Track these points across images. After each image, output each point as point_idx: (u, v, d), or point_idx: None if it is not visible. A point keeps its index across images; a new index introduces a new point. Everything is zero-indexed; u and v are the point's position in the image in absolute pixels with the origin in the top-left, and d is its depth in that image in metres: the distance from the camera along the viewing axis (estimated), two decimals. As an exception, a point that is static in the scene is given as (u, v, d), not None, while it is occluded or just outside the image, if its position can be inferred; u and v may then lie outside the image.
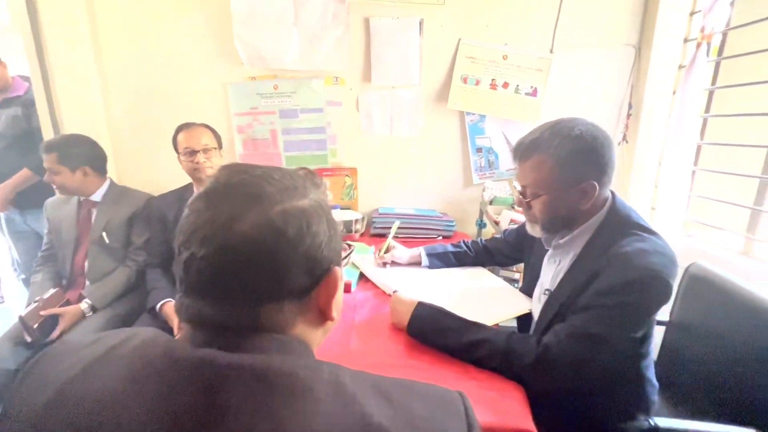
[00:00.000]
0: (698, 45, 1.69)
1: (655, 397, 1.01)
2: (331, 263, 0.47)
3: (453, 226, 1.88)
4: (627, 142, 1.98)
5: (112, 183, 1.69)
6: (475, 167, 2.04)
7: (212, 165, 1.53)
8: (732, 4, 1.70)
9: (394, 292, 1.17)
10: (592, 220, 0.93)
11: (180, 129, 1.56)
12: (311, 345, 0.48)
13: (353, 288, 1.35)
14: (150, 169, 2.03)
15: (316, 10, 1.86)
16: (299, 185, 0.46)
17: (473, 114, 1.99)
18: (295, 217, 0.43)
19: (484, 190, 1.94)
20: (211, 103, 1.98)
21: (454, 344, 0.91)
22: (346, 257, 1.41)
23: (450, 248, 1.48)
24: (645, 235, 0.86)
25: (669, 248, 0.84)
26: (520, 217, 1.66)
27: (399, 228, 1.84)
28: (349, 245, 1.42)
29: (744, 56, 1.61)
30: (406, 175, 2.09)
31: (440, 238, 1.88)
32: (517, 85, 1.92)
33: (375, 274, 1.41)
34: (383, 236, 1.86)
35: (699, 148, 1.80)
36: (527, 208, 0.99)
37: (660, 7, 1.80)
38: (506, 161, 2.03)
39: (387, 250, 1.45)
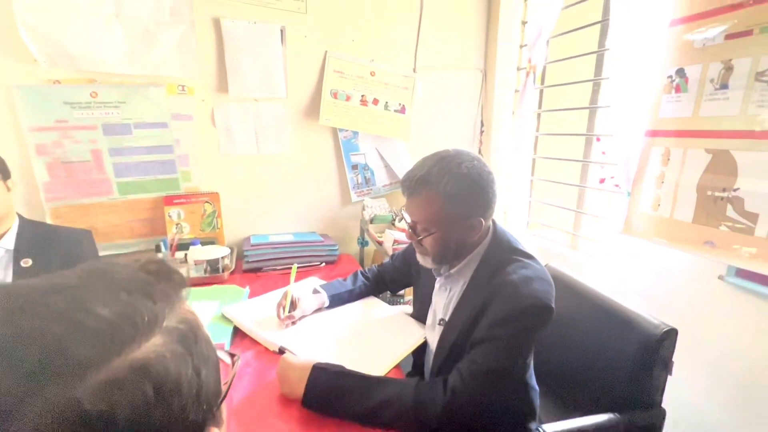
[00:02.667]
0: (527, 73, 1.75)
1: (538, 401, 0.99)
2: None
3: (336, 250, 1.59)
4: (482, 155, 1.99)
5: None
6: (352, 184, 1.79)
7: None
8: (547, 42, 1.81)
9: (280, 349, 0.94)
10: (478, 249, 0.91)
11: None
12: None
13: (226, 349, 0.94)
14: None
15: (146, 1, 1.34)
16: (134, 314, 0.26)
17: (346, 130, 1.72)
18: (128, 391, 0.23)
19: (364, 208, 1.70)
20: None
21: (360, 410, 0.77)
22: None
23: (349, 285, 1.22)
24: (525, 260, 0.85)
25: (545, 270, 0.85)
26: (403, 236, 1.46)
27: (277, 259, 1.46)
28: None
29: (560, 86, 1.73)
30: (279, 197, 1.71)
31: (323, 264, 1.56)
32: (387, 102, 1.74)
33: (255, 327, 1.02)
34: (258, 271, 1.45)
35: (534, 161, 1.89)
36: (419, 243, 0.91)
37: (498, 37, 1.84)
38: (382, 177, 1.84)
39: (293, 305, 1.06)
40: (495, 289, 0.82)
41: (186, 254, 1.41)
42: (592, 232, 1.64)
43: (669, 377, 0.96)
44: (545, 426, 0.89)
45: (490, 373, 0.76)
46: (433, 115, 1.88)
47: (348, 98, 1.71)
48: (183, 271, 1.39)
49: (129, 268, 0.31)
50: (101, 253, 1.45)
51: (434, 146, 1.89)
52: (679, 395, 1.16)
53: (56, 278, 0.27)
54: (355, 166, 1.82)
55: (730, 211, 1.07)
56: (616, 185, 1.92)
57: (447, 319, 0.94)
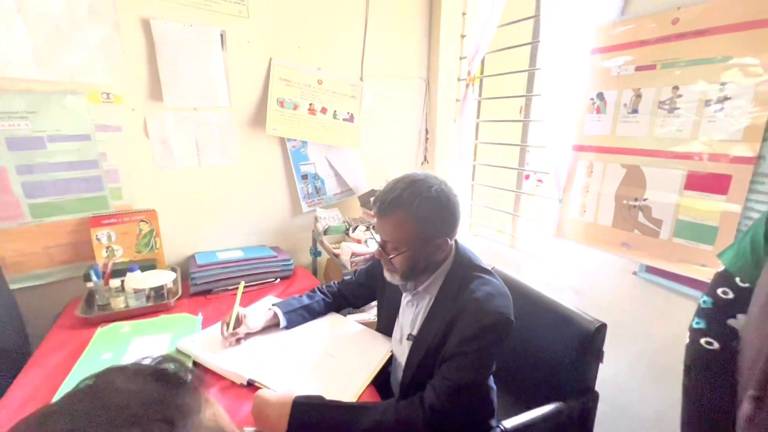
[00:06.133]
0: (467, 85, 1.85)
1: (496, 399, 1.06)
2: None
3: (290, 264, 1.55)
4: (427, 162, 2.07)
5: None
6: (302, 195, 1.75)
7: None
8: (483, 59, 1.93)
9: (248, 382, 0.91)
10: (443, 266, 0.95)
11: None
12: None
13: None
14: None
15: (57, -3, 1.17)
16: None
17: (295, 140, 1.67)
18: None
19: (317, 220, 1.67)
20: None
21: None
22: None
23: (306, 300, 1.18)
24: (486, 277, 0.91)
25: (502, 284, 0.91)
26: (360, 248, 1.48)
27: (228, 279, 1.39)
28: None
29: (497, 98, 1.86)
30: (225, 211, 1.62)
31: (277, 280, 1.52)
32: (335, 111, 1.72)
33: (217, 360, 0.97)
34: (207, 294, 1.37)
35: (474, 167, 2.02)
36: (388, 261, 0.93)
37: (440, 48, 1.91)
38: (333, 186, 1.82)
39: (238, 323, 1.02)
40: (461, 306, 0.87)
41: (123, 281, 1.27)
42: (529, 234, 1.81)
43: (600, 365, 1.11)
44: (505, 422, 0.98)
45: (463, 387, 0.82)
46: (381, 123, 1.91)
47: (296, 107, 1.66)
48: (120, 301, 1.26)
49: (135, 382, 0.28)
50: (12, 287, 1.25)
51: (383, 154, 1.95)
52: (605, 377, 1.35)
53: (46, 418, 0.24)
54: (305, 176, 1.77)
55: (641, 218, 1.25)
56: (539, 180, 2.13)
57: (415, 334, 0.98)
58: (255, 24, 1.52)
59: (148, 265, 1.41)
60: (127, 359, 0.97)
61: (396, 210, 0.87)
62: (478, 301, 0.86)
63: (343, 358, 1.04)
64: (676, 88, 1.13)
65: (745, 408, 0.56)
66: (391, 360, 1.08)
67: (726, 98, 1.03)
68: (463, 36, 1.95)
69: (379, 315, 1.22)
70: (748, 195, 1.01)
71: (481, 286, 0.89)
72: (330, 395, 0.86)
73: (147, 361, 0.32)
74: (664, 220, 1.20)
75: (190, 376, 0.30)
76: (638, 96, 1.23)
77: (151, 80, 1.39)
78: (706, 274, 1.10)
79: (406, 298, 1.04)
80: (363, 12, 1.73)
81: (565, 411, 1.07)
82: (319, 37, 1.66)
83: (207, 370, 0.97)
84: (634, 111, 1.24)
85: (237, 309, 1.07)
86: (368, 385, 0.95)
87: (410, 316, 1.02)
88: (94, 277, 1.25)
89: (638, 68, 1.22)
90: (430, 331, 0.93)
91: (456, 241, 0.99)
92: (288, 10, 1.57)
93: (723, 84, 1.04)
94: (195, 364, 0.99)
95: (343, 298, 1.27)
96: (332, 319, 1.23)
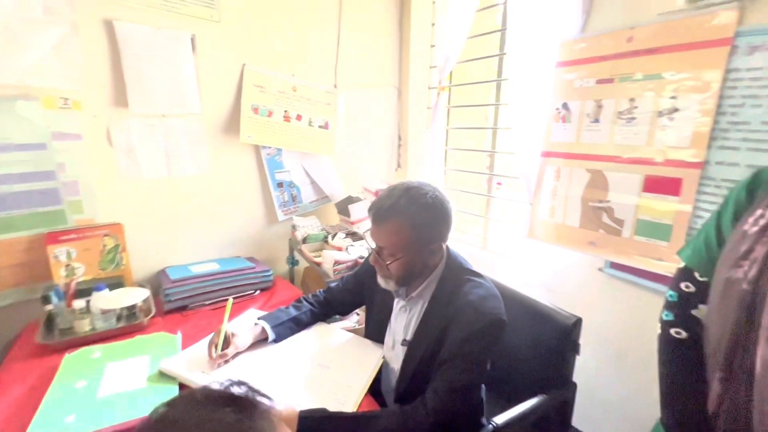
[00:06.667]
0: (438, 93, 1.91)
1: (484, 396, 1.10)
2: None
3: (270, 275, 1.51)
4: (401, 167, 2.11)
5: None
6: (278, 203, 1.71)
7: None
8: (451, 71, 2.00)
9: None
10: (435, 271, 0.97)
11: None
12: None
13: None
14: None
15: (7, -7, 1.07)
16: None
17: (269, 147, 1.64)
18: None
19: (295, 228, 1.65)
20: None
21: None
22: None
23: (293, 312, 1.16)
24: (477, 280, 0.94)
25: (493, 286, 0.94)
26: (343, 255, 1.47)
27: (205, 293, 1.34)
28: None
29: (466, 107, 1.94)
30: (197, 222, 1.55)
31: (257, 292, 1.47)
32: (311, 118, 1.71)
33: (208, 381, 0.92)
34: (182, 310, 1.30)
35: (446, 172, 2.08)
36: (384, 267, 0.94)
37: (411, 57, 1.96)
38: (309, 194, 1.80)
39: (226, 342, 0.97)
40: (456, 310, 0.89)
41: (88, 302, 1.18)
42: (500, 236, 1.89)
43: (577, 357, 1.19)
44: (495, 419, 1.01)
45: (463, 388, 0.85)
46: (355, 130, 1.92)
47: (270, 114, 1.63)
48: (85, 323, 1.16)
49: (208, 408, 0.27)
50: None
51: (358, 160, 1.95)
52: (578, 366, 1.44)
53: None
54: (280, 184, 1.74)
55: (605, 218, 1.36)
56: (499, 183, 2.23)
57: (410, 339, 0.99)
58: (227, 29, 1.47)
59: (114, 283, 1.31)
60: (105, 386, 0.90)
61: (393, 217, 0.88)
62: (473, 303, 0.89)
63: (338, 368, 1.03)
64: (632, 99, 1.25)
65: (715, 388, 0.63)
66: (381, 366, 1.09)
67: (675, 110, 1.16)
68: (432, 46, 2.01)
69: (367, 321, 1.22)
70: (697, 196, 1.14)
71: (474, 288, 0.92)
72: (331, 407, 0.85)
73: (215, 386, 0.31)
74: (625, 219, 1.31)
75: (261, 399, 0.30)
76: (599, 106, 1.33)
77: (115, 85, 1.31)
78: (663, 268, 1.22)
79: (398, 303, 1.05)
80: (336, 20, 1.73)
81: (548, 403, 1.13)
82: (292, 44, 1.64)
83: (196, 392, 0.92)
84: (596, 120, 1.35)
85: (225, 328, 1.02)
86: (366, 394, 0.95)
87: (403, 321, 1.03)
88: (54, 299, 1.15)
89: (598, 81, 1.33)
90: (425, 336, 0.95)
91: (447, 246, 1.01)
92: (261, 16, 1.54)
93: (672, 97, 1.16)
94: (181, 386, 0.93)
95: (330, 307, 1.26)
96: (319, 328, 1.21)
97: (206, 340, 1.06)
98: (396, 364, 1.03)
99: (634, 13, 1.20)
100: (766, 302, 0.56)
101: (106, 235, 1.35)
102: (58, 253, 1.27)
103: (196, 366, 0.99)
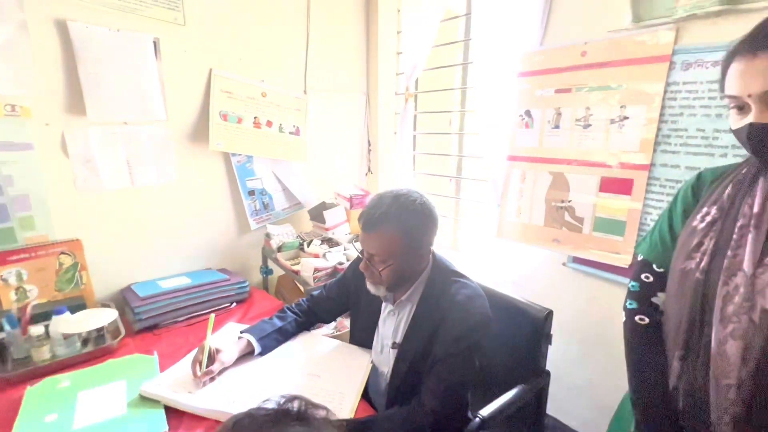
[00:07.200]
0: (406, 99, 1.97)
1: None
2: None
3: (246, 286, 1.47)
4: (371, 172, 2.13)
5: None
6: (249, 212, 1.67)
7: None
8: (417, 80, 2.07)
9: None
10: (423, 274, 0.99)
11: None
12: None
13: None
14: None
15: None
16: None
17: (240, 155, 1.60)
18: None
19: (269, 237, 1.62)
20: None
21: None
22: None
23: (278, 322, 1.14)
24: (462, 280, 0.97)
25: (477, 285, 0.98)
26: (322, 263, 1.47)
27: (178, 309, 1.28)
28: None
29: (434, 113, 2.02)
30: (164, 234, 1.48)
31: (234, 305, 1.43)
32: (281, 124, 1.68)
33: (195, 401, 0.89)
34: (154, 329, 1.23)
35: (415, 175, 2.14)
36: (376, 274, 0.95)
37: (379, 63, 1.99)
38: (281, 201, 1.77)
39: (211, 359, 0.94)
40: (445, 311, 0.93)
41: (47, 327, 1.08)
42: (470, 236, 1.98)
43: (549, 346, 1.27)
44: (480, 411, 1.06)
45: (458, 385, 0.89)
46: (326, 136, 1.91)
47: (240, 120, 1.58)
48: (44, 351, 1.07)
49: (270, 427, 0.28)
50: None
51: (329, 166, 1.95)
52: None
53: None
54: (251, 192, 1.69)
55: (567, 217, 1.47)
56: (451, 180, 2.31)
57: (400, 342, 1.01)
58: (192, 32, 1.42)
59: (74, 304, 1.21)
60: (80, 418, 0.84)
61: (385, 224, 0.90)
62: (461, 303, 0.93)
63: (329, 376, 1.03)
64: (588, 108, 1.37)
65: (675, 366, 0.72)
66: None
67: (625, 117, 1.29)
68: (399, 53, 2.06)
69: (353, 327, 1.23)
70: (646, 195, 1.27)
71: (461, 289, 0.96)
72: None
73: (269, 405, 0.31)
74: (585, 217, 1.43)
75: (321, 411, 0.31)
76: (559, 114, 1.45)
77: (71, 91, 1.21)
78: (619, 260, 1.34)
79: (386, 308, 1.07)
80: (304, 25, 1.72)
81: (526, 391, 1.20)
82: (261, 50, 1.61)
83: (184, 414, 0.88)
84: (557, 126, 1.46)
85: (209, 344, 0.99)
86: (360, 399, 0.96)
87: (392, 325, 1.05)
88: (7, 326, 1.04)
89: (557, 91, 1.45)
90: (415, 338, 0.97)
91: (432, 249, 1.05)
92: (227, 20, 1.49)
93: (622, 106, 1.29)
94: (167, 408, 0.89)
95: (314, 315, 1.25)
96: (305, 338, 1.20)
97: (189, 358, 1.01)
98: (385, 368, 1.05)
99: (588, 29, 1.32)
100: (717, 288, 0.65)
101: (62, 253, 1.24)
102: (7, 275, 1.15)
103: (180, 386, 0.94)
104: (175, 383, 0.95)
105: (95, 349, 1.10)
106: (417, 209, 0.92)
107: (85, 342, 1.11)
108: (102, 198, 1.31)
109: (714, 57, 1.10)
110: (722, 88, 0.65)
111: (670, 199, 1.22)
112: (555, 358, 1.57)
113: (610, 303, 1.41)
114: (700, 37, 1.11)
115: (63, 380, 0.97)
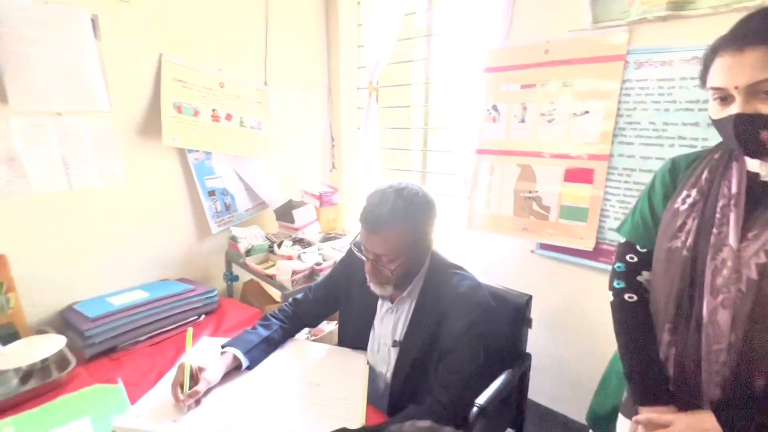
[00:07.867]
0: (370, 93, 1.94)
1: None
2: None
3: (215, 295, 1.34)
4: (336, 168, 2.07)
5: None
6: (210, 214, 1.52)
7: None
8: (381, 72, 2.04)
9: None
10: (423, 268, 0.97)
11: None
12: None
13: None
14: None
15: None
16: None
17: (197, 151, 1.44)
18: None
19: (236, 240, 1.49)
20: None
21: None
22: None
23: (263, 332, 1.05)
24: (461, 272, 0.97)
25: (476, 278, 0.97)
26: (299, 264, 1.39)
27: (137, 328, 1.14)
28: None
29: (398, 108, 2.01)
30: (110, 243, 1.29)
31: (203, 317, 1.30)
32: (242, 118, 1.56)
33: (183, 429, 0.79)
34: (111, 353, 1.08)
35: (381, 171, 2.12)
36: (385, 273, 0.91)
37: (340, 57, 1.93)
38: (244, 201, 1.64)
39: (193, 379, 0.83)
40: (448, 303, 0.93)
41: (-30, 365, 0.87)
42: (441, 229, 2.00)
43: (529, 330, 1.33)
44: (477, 400, 1.07)
45: (471, 376, 0.89)
46: (288, 131, 1.81)
47: (196, 113, 1.43)
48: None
49: None
50: None
51: (293, 163, 1.84)
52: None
53: None
54: (212, 192, 1.54)
55: (534, 206, 1.56)
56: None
57: (401, 339, 0.98)
58: (137, 10, 1.24)
59: (3, 334, 1.00)
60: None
61: (393, 223, 0.86)
62: (465, 295, 0.92)
63: (328, 383, 0.97)
64: (552, 102, 1.45)
65: (664, 337, 0.78)
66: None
67: (586, 111, 1.39)
68: (360, 46, 2.01)
69: (343, 328, 1.17)
70: (606, 183, 1.38)
71: (461, 281, 0.95)
72: (336, 424, 0.80)
73: None
74: (551, 206, 1.52)
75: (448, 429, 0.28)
76: (525, 108, 1.52)
77: (-15, 73, 0.98)
78: (583, 244, 1.45)
79: (384, 306, 1.03)
80: (263, 11, 1.60)
81: (512, 375, 1.25)
82: (217, 35, 1.46)
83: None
84: (523, 120, 1.53)
85: (189, 363, 0.87)
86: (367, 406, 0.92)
87: (390, 323, 1.01)
88: None
89: (523, 86, 1.51)
90: (417, 334, 0.95)
91: None
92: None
93: (583, 102, 1.38)
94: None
95: (300, 321, 1.17)
96: (293, 346, 1.12)
97: (166, 381, 0.89)
98: (383, 367, 1.02)
99: (550, 28, 1.40)
100: (706, 263, 0.71)
101: (-19, 273, 1.01)
102: None
103: (161, 415, 0.82)
104: (154, 413, 0.82)
105: (40, 385, 0.91)
106: (421, 202, 0.89)
107: (24, 378, 0.91)
108: (31, 204, 1.10)
109: (662, 57, 1.22)
110: (703, 81, 0.71)
111: (628, 186, 1.36)
112: (529, 342, 1.66)
113: (577, 284, 1.51)
114: (650, 38, 1.23)
115: (4, 426, 0.79)
